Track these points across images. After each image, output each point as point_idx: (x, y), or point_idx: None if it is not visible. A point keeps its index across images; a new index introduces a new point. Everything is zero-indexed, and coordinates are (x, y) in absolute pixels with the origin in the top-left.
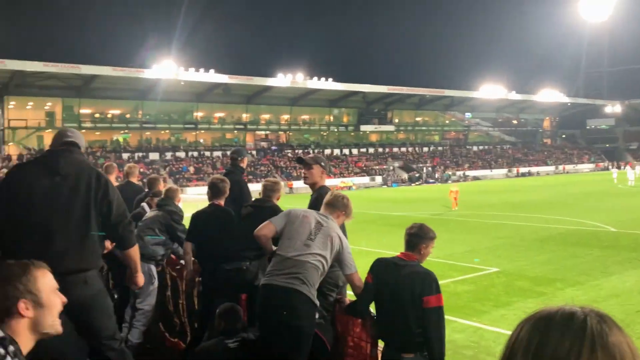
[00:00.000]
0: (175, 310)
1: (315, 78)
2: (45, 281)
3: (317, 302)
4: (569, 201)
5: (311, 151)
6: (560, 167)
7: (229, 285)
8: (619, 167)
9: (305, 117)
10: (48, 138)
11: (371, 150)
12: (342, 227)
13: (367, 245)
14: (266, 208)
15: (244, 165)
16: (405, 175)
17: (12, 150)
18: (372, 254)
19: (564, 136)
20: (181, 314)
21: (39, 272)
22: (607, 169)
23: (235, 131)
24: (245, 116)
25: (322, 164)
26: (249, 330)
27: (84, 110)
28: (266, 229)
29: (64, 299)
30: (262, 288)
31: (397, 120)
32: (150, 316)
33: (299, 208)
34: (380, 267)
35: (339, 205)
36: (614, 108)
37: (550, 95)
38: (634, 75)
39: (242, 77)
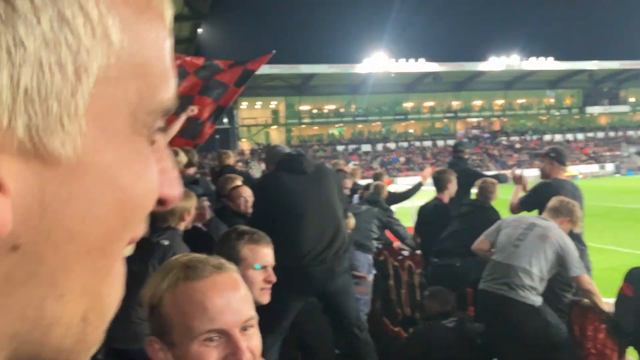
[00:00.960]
0: (397, 300)
1: (533, 59)
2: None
3: (537, 302)
4: None
5: (528, 138)
6: None
7: (439, 281)
8: None
9: (522, 101)
10: (274, 134)
11: (600, 134)
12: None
13: (599, 242)
14: (487, 209)
15: (466, 156)
16: None
17: (245, 145)
18: (606, 252)
19: None
20: (402, 304)
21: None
22: None
23: (445, 119)
24: (455, 104)
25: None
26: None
27: (303, 107)
28: (482, 243)
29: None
30: (479, 293)
31: (633, 100)
32: (369, 305)
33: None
34: None
35: (563, 211)
36: None
37: None
38: None
39: (452, 64)
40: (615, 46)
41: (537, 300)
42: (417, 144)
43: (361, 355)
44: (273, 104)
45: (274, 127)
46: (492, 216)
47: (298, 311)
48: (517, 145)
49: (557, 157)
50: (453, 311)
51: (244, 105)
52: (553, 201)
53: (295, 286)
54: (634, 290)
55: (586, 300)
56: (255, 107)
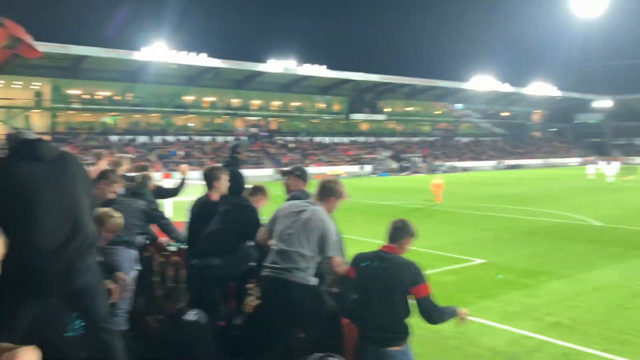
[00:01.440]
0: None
1: (308, 65)
2: None
3: (313, 282)
4: (557, 195)
5: (301, 139)
6: (549, 161)
7: (200, 281)
8: (608, 162)
9: (297, 104)
10: (36, 118)
11: (361, 139)
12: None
13: (356, 234)
14: (244, 207)
15: (243, 158)
16: (394, 165)
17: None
18: (362, 244)
19: (553, 130)
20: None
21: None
22: (593, 163)
23: (226, 116)
24: (235, 101)
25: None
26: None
27: (73, 91)
28: (263, 234)
29: None
30: (262, 279)
31: (388, 110)
32: (131, 302)
33: (287, 203)
34: (364, 260)
35: (327, 192)
36: (603, 103)
37: (541, 88)
38: (625, 71)
39: (233, 62)
40: (378, 61)
41: (312, 280)
42: (197, 138)
43: (111, 357)
44: (36, 84)
45: (37, 110)
46: (250, 214)
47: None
48: (291, 145)
49: (301, 175)
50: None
51: None
52: (318, 186)
53: (26, 287)
54: (356, 271)
55: None
56: (13, 86)
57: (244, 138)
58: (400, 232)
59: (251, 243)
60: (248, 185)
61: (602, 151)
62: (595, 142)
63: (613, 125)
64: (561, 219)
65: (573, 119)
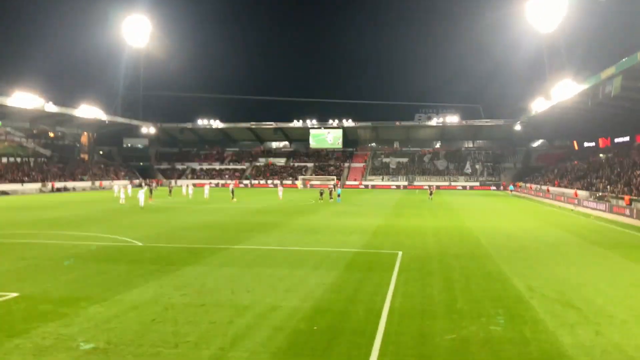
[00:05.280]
0: None
1: None
2: None
3: None
4: (103, 217)
5: None
6: (97, 183)
7: None
8: (150, 185)
9: None
10: None
11: None
12: None
13: None
14: None
15: None
16: None
17: None
18: None
19: (101, 152)
20: None
21: None
22: (140, 185)
23: None
24: None
25: None
26: None
27: None
28: None
29: None
30: None
31: None
32: None
33: None
34: None
35: None
36: (148, 129)
37: (89, 111)
38: (165, 101)
39: None
40: None
41: None
42: None
43: None
44: None
45: None
46: None
47: None
48: None
49: None
50: None
51: None
52: None
53: None
54: None
55: None
56: None
57: None
58: None
59: None
60: None
61: (148, 174)
62: (142, 165)
63: (156, 150)
64: (106, 241)
65: (121, 142)
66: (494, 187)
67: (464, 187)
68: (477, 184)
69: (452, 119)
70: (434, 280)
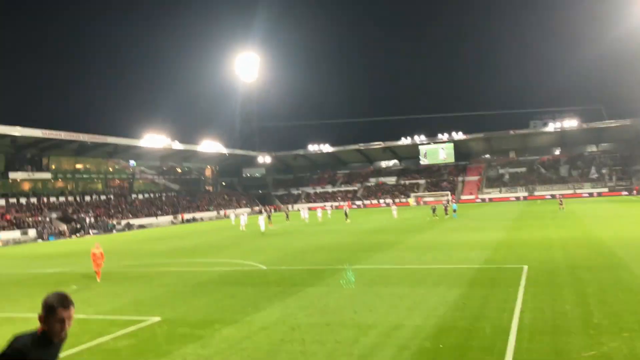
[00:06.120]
0: None
1: None
2: None
3: None
4: (229, 244)
5: None
6: (222, 212)
7: None
8: (268, 211)
9: None
10: None
11: (23, 200)
12: None
13: (13, 311)
14: None
15: None
16: (64, 227)
17: None
18: (19, 321)
19: (224, 183)
20: None
21: None
22: (260, 212)
23: None
24: None
25: None
26: None
27: None
28: None
29: None
30: None
31: (54, 167)
32: None
33: None
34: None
35: None
36: (264, 159)
37: (211, 146)
38: (278, 130)
39: None
40: (38, 114)
41: None
42: None
43: None
44: None
45: None
46: None
47: None
48: None
49: None
50: None
51: None
52: None
53: None
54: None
55: None
56: None
57: None
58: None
59: None
60: None
61: (266, 201)
62: (260, 192)
63: (273, 178)
64: (233, 266)
65: (240, 173)
66: (626, 192)
67: (591, 194)
68: (606, 189)
69: (571, 122)
70: (565, 294)
